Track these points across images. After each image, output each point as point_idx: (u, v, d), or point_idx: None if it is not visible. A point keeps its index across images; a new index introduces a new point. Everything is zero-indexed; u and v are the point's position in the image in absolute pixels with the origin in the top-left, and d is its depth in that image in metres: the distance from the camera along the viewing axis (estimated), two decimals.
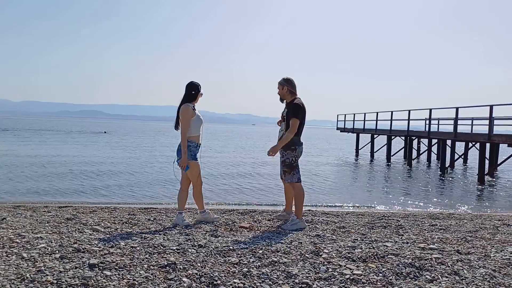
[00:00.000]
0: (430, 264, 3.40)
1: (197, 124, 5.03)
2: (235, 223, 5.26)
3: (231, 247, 3.84)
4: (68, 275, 2.93)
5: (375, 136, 24.71)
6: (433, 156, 23.20)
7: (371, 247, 3.98)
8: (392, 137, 22.52)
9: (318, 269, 3.26)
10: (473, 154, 21.56)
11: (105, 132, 48.66)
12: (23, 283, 2.79)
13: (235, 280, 2.99)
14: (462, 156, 20.46)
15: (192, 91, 5.01)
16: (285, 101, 5.17)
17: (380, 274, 3.15)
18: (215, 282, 2.94)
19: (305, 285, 2.93)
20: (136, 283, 2.88)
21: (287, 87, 5.02)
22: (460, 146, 20.54)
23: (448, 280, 3.07)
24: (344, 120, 28.31)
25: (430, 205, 9.52)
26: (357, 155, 26.29)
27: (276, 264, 3.37)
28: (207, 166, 15.40)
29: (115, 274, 3.01)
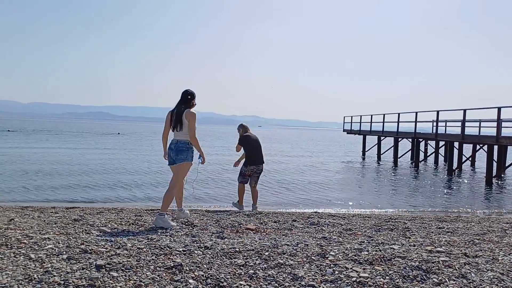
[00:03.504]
0: (437, 267, 3.38)
1: None
2: (241, 225, 5.27)
3: (237, 249, 3.84)
4: (75, 276, 2.95)
5: (382, 138, 24.60)
6: (441, 158, 23.05)
7: (378, 249, 3.96)
8: (399, 139, 22.40)
9: (324, 271, 3.25)
10: (481, 156, 21.40)
11: (118, 133, 50.95)
12: (30, 283, 2.81)
13: (241, 282, 2.99)
14: (470, 158, 20.31)
15: (189, 96, 5.26)
16: None
17: (387, 277, 3.14)
18: (221, 284, 2.95)
19: None
20: (143, 284, 2.89)
21: (241, 130, 7.58)
22: (467, 148, 20.39)
23: (455, 284, 3.04)
24: (351, 122, 28.22)
25: (437, 207, 9.45)
26: (364, 157, 26.18)
27: (282, 266, 3.36)
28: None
29: (122, 275, 3.03)
